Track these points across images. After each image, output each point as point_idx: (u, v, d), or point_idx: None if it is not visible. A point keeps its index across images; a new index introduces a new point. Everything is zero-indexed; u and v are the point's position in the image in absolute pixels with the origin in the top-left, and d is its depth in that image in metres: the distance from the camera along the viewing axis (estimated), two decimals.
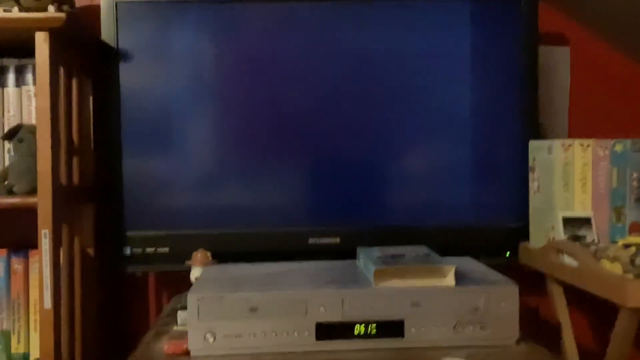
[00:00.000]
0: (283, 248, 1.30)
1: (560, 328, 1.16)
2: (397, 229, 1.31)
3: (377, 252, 1.09)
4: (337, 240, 1.30)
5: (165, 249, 1.30)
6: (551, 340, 1.16)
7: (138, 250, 1.30)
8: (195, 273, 1.23)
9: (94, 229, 1.33)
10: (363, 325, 0.96)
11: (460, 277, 0.99)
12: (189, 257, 1.25)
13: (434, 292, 0.97)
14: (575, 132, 1.46)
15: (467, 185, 1.31)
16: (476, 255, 1.27)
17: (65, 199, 1.18)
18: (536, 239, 1.23)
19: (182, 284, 1.42)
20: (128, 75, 1.29)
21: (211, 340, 0.94)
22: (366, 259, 1.06)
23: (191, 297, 0.94)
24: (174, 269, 1.29)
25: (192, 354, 0.95)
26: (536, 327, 1.31)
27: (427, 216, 1.31)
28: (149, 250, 1.30)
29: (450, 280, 0.97)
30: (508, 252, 1.30)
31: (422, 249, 1.12)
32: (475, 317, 0.97)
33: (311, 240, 1.30)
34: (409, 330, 0.96)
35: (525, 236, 1.28)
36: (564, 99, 1.48)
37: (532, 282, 1.37)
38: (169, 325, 1.12)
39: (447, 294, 0.97)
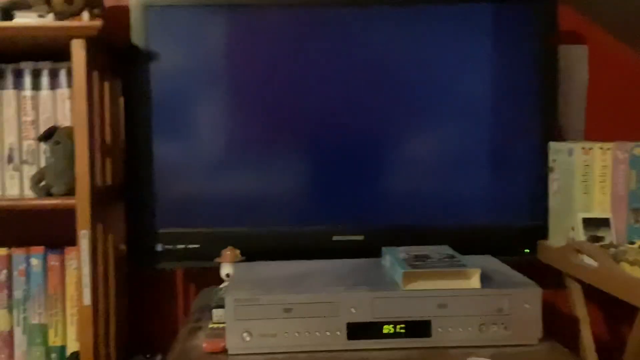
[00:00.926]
0: (308, 245, 1.34)
1: (578, 325, 1.20)
2: (419, 227, 1.35)
3: (401, 252, 1.14)
4: (361, 237, 1.35)
5: (196, 246, 1.35)
6: (568, 337, 1.21)
7: (170, 247, 1.34)
8: (225, 270, 1.27)
9: (125, 226, 1.38)
10: (392, 325, 1.00)
11: (484, 279, 1.03)
12: (217, 254, 1.30)
13: (459, 294, 1.01)
14: (593, 132, 1.49)
15: (486, 184, 1.35)
16: (494, 253, 1.30)
17: (101, 199, 1.22)
18: (555, 238, 1.27)
19: (209, 279, 1.46)
20: (157, 77, 1.33)
21: (248, 339, 0.99)
22: (392, 260, 1.10)
23: (229, 299, 0.99)
24: (203, 265, 1.34)
25: (229, 352, 1.00)
26: (554, 323, 1.35)
27: (448, 215, 1.35)
28: (180, 246, 1.35)
29: (475, 282, 1.01)
30: (527, 250, 1.34)
31: (445, 249, 1.16)
32: (499, 318, 1.01)
33: (335, 238, 1.35)
34: (436, 330, 1.01)
35: (542, 235, 1.32)
36: (582, 98, 1.51)
37: (548, 278, 1.41)
38: (201, 321, 1.17)
39: (472, 296, 1.01)
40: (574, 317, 1.21)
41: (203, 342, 1.02)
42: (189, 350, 1.03)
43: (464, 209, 1.36)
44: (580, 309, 1.20)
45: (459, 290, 1.01)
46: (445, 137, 1.35)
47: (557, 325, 1.23)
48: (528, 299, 1.01)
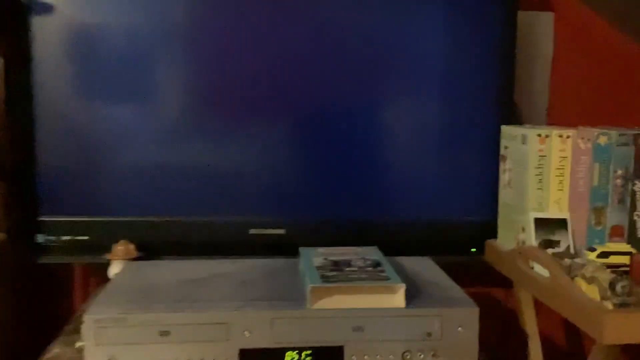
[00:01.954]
0: (220, 240, 1.14)
1: (526, 340, 1.03)
2: (350, 222, 1.15)
3: (319, 256, 0.94)
4: (282, 232, 1.15)
5: (85, 237, 1.14)
6: (519, 349, 1.04)
7: (52, 238, 1.13)
8: (114, 268, 1.07)
9: (5, 212, 1.16)
10: (296, 352, 0.81)
11: (411, 295, 0.84)
12: (110, 248, 1.09)
13: (379, 314, 0.82)
14: (556, 114, 1.30)
15: (430, 173, 1.16)
16: (438, 252, 1.12)
17: None
18: (504, 239, 1.08)
19: None
20: (47, 30, 1.10)
21: None
22: (305, 266, 0.90)
23: (88, 319, 0.79)
24: (92, 261, 1.14)
25: None
26: (506, 327, 1.18)
27: (384, 208, 1.16)
28: (66, 238, 1.13)
29: (399, 299, 0.83)
30: (474, 249, 1.16)
31: (373, 253, 0.97)
32: (427, 344, 0.83)
33: (252, 231, 1.15)
34: (349, 358, 0.82)
35: (491, 233, 1.13)
36: (545, 75, 1.32)
37: (499, 278, 1.23)
38: (76, 334, 0.96)
39: (395, 317, 0.82)
40: (524, 334, 1.04)
41: None
42: None
43: (403, 201, 1.16)
44: (530, 323, 1.03)
45: (378, 310, 0.82)
46: (382, 117, 1.15)
47: (507, 333, 1.06)
48: (462, 321, 0.83)
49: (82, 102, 1.11)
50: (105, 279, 1.22)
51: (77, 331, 0.98)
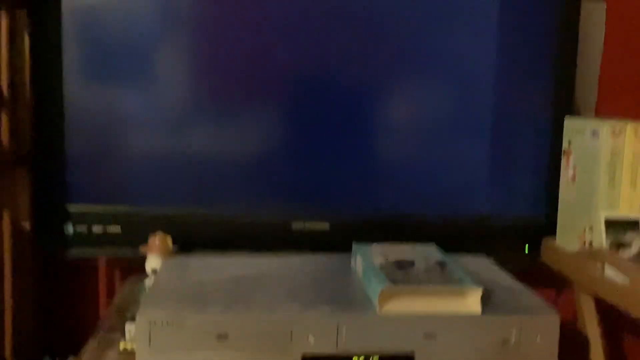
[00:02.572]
0: (260, 234, 1.08)
1: (588, 347, 0.97)
2: (397, 217, 1.09)
3: (378, 255, 0.88)
4: (326, 227, 1.08)
5: (117, 229, 1.07)
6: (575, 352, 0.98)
7: (83, 229, 1.06)
8: (151, 263, 1.01)
9: (30, 201, 1.09)
10: (362, 359, 0.75)
11: (484, 300, 0.78)
12: (144, 240, 1.03)
13: (453, 320, 0.76)
14: (604, 108, 1.24)
15: (481, 166, 1.10)
16: (486, 250, 1.06)
17: None
18: (565, 239, 1.02)
19: (142, 266, 1.19)
20: (79, 8, 1.02)
21: None
22: (366, 266, 0.84)
23: (141, 319, 0.72)
24: (125, 255, 1.07)
25: None
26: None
27: (433, 203, 1.09)
28: (96, 229, 1.07)
29: (475, 305, 0.76)
30: (526, 248, 1.10)
31: (433, 252, 0.91)
32: (502, 353, 0.77)
33: (295, 226, 1.08)
34: None
35: (547, 231, 1.07)
36: (596, 65, 1.25)
37: (548, 280, 1.17)
38: (115, 332, 0.90)
39: (470, 324, 0.76)
40: (584, 339, 0.98)
41: None
42: None
43: (453, 196, 1.10)
44: (592, 328, 0.97)
45: (453, 316, 0.76)
46: (434, 106, 1.08)
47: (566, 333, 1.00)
48: (542, 329, 0.77)
49: (114, 84, 1.04)
50: (132, 273, 1.16)
51: (113, 330, 0.92)
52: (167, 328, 0.72)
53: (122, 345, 0.82)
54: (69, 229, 1.06)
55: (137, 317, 0.72)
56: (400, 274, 0.80)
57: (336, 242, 1.06)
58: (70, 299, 1.21)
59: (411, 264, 0.84)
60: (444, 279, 0.79)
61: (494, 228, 1.10)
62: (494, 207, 1.11)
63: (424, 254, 0.89)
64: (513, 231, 1.10)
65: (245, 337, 0.73)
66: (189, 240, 1.06)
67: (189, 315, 0.73)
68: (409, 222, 1.09)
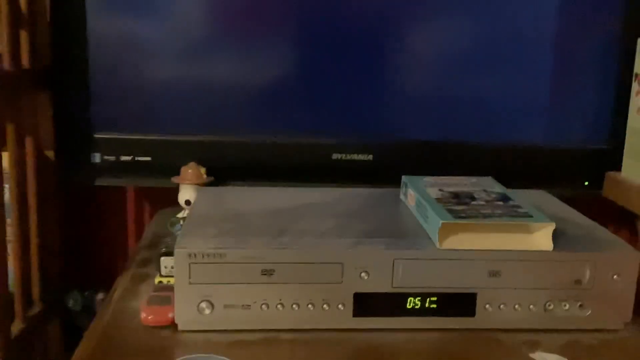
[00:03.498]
0: (298, 165, 1.01)
1: None
2: (446, 147, 1.01)
3: (432, 187, 0.80)
4: (369, 157, 1.01)
5: (147, 158, 1.00)
6: None
7: (111, 158, 1.00)
8: (185, 194, 0.94)
9: (53, 126, 1.02)
10: (419, 298, 0.69)
11: (555, 235, 0.70)
12: (176, 170, 0.96)
13: (521, 257, 0.69)
14: None
15: (538, 90, 1.00)
16: (543, 184, 0.98)
17: (12, 88, 0.87)
18: (632, 171, 0.94)
19: (172, 197, 1.13)
20: None
21: (207, 311, 0.67)
22: (421, 199, 0.77)
23: (179, 253, 0.66)
24: (156, 185, 1.00)
25: (180, 327, 0.68)
26: None
27: (485, 133, 1.01)
28: (125, 158, 1.00)
29: (544, 241, 0.69)
30: (586, 182, 1.02)
31: (491, 184, 0.83)
32: (574, 293, 0.70)
33: (335, 156, 1.01)
34: (483, 307, 0.69)
35: (613, 163, 0.99)
36: None
37: (609, 218, 1.09)
38: (148, 266, 0.84)
39: (539, 261, 0.69)
40: None
41: (142, 308, 0.70)
42: (120, 318, 0.71)
43: (506, 124, 1.02)
44: None
45: (520, 253, 0.69)
46: (487, 26, 0.98)
47: None
48: (620, 268, 0.69)
49: (141, 4, 0.96)
50: (162, 206, 1.10)
51: (146, 264, 0.86)
52: (208, 261, 0.66)
53: (157, 280, 0.77)
54: (96, 158, 1.00)
55: (176, 250, 0.66)
56: (461, 208, 0.72)
57: (379, 175, 0.99)
58: (98, 233, 1.16)
59: (471, 197, 0.77)
60: (509, 213, 0.71)
61: (551, 160, 1.02)
62: (551, 137, 1.02)
63: (483, 186, 0.82)
64: (572, 164, 1.02)
65: (293, 273, 0.67)
66: (223, 172, 0.99)
67: (232, 248, 0.66)
68: (459, 153, 1.01)
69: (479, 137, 1.01)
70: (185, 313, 0.67)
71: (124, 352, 0.65)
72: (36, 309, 0.99)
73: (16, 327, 0.92)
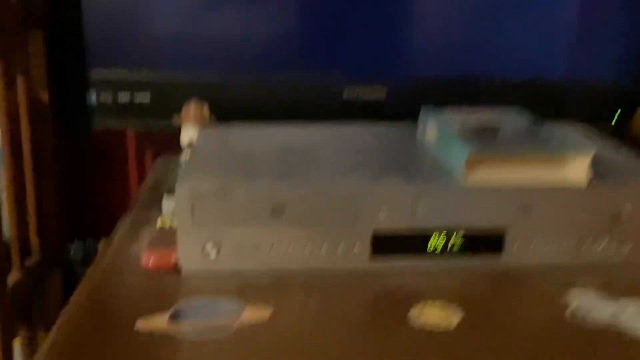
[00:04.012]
0: (306, 103, 0.94)
1: None
2: (467, 81, 0.94)
3: (454, 119, 0.74)
4: (382, 94, 0.95)
5: (146, 96, 0.94)
6: None
7: (108, 98, 0.94)
8: (187, 134, 0.88)
9: (46, 66, 0.96)
10: (443, 237, 0.63)
11: (591, 168, 0.65)
12: (178, 109, 0.90)
13: (554, 191, 0.63)
14: None
15: (565, 21, 0.93)
16: (568, 120, 0.92)
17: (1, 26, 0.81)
18: None
19: (174, 141, 1.07)
20: None
21: (213, 253, 0.62)
22: (442, 131, 0.71)
23: (181, 189, 0.61)
24: (157, 126, 0.95)
25: (184, 271, 0.63)
26: None
27: (508, 65, 0.94)
28: (123, 97, 0.94)
29: (579, 173, 0.63)
30: (614, 119, 0.96)
31: (519, 116, 0.77)
32: (612, 228, 0.64)
33: (347, 94, 0.95)
34: (512, 244, 0.64)
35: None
36: None
37: None
38: (150, 210, 0.79)
39: (573, 195, 0.63)
40: None
41: (144, 252, 0.65)
42: (120, 263, 0.67)
43: (530, 56, 0.95)
44: None
45: (554, 186, 0.63)
46: None
47: None
48: None
49: None
50: (164, 150, 1.04)
51: (147, 208, 0.81)
52: (213, 200, 0.60)
53: (159, 223, 0.71)
54: (92, 98, 0.94)
55: (178, 188, 0.60)
56: (487, 140, 0.66)
57: (394, 114, 0.93)
58: (99, 180, 1.11)
59: (498, 129, 0.70)
60: (540, 145, 0.65)
61: (577, 96, 0.95)
62: (577, 70, 0.95)
63: (511, 118, 0.75)
64: (599, 99, 0.96)
65: (305, 211, 0.62)
66: (227, 111, 0.93)
67: (238, 185, 0.61)
68: (480, 87, 0.94)
69: (503, 70, 0.94)
70: (189, 255, 0.62)
71: (124, 298, 0.60)
72: (34, 258, 0.94)
73: (13, 277, 0.87)
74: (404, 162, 0.69)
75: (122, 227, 0.76)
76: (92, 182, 1.10)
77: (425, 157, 0.71)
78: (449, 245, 0.63)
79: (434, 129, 0.73)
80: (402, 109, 0.89)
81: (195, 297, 0.58)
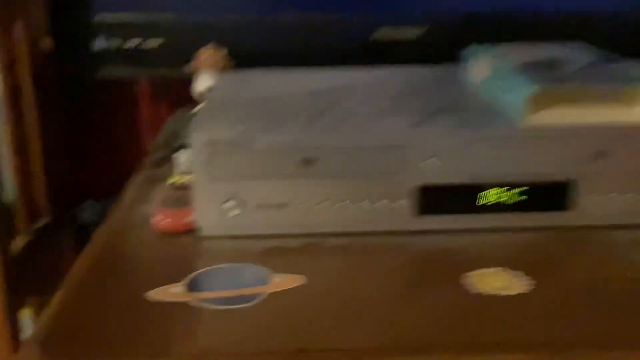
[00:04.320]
0: (333, 46, 0.85)
1: None
2: (509, 17, 0.84)
3: (506, 56, 0.64)
4: (418, 32, 0.85)
5: (157, 42, 0.85)
6: None
7: (115, 43, 0.85)
8: (203, 82, 0.80)
9: (47, 10, 0.87)
10: (504, 190, 0.54)
11: None
12: (193, 56, 0.81)
13: (633, 133, 0.54)
14: None
15: None
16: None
17: None
18: None
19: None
20: None
21: (234, 212, 0.54)
22: (497, 69, 0.61)
23: (196, 139, 0.52)
24: (170, 75, 0.86)
25: (203, 232, 0.55)
26: None
27: None
28: (132, 42, 0.85)
29: None
30: None
31: (584, 50, 0.67)
32: None
33: (376, 35, 0.85)
34: (581, 198, 0.55)
35: None
36: None
37: None
38: (163, 166, 0.71)
39: None
40: None
41: (155, 212, 0.57)
42: (131, 224, 0.59)
43: None
44: None
45: (632, 128, 0.53)
46: None
47: None
48: None
49: None
50: (179, 103, 0.95)
51: (161, 164, 0.73)
52: (233, 151, 0.52)
53: (171, 179, 0.63)
54: (97, 44, 0.85)
55: (192, 137, 0.52)
56: (552, 74, 0.57)
57: (430, 57, 0.83)
58: (110, 135, 1.03)
59: (563, 62, 0.61)
60: (615, 79, 0.56)
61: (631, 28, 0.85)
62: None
63: (575, 52, 0.65)
64: None
65: (339, 161, 0.53)
66: (246, 56, 0.84)
67: (262, 133, 0.52)
68: (525, 22, 0.84)
69: (549, 4, 0.84)
70: (208, 215, 0.54)
71: (134, 263, 0.53)
72: (43, 220, 0.87)
73: (20, 242, 0.80)
74: (451, 105, 0.60)
75: (133, 185, 0.68)
76: (104, 138, 1.02)
77: (475, 98, 0.62)
78: (507, 200, 0.54)
79: (486, 66, 0.63)
80: (440, 54, 0.79)
81: (215, 263, 0.50)
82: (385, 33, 0.85)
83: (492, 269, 0.49)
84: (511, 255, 0.52)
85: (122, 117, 1.01)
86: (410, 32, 0.85)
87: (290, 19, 0.84)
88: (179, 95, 0.90)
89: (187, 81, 0.82)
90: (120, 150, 1.01)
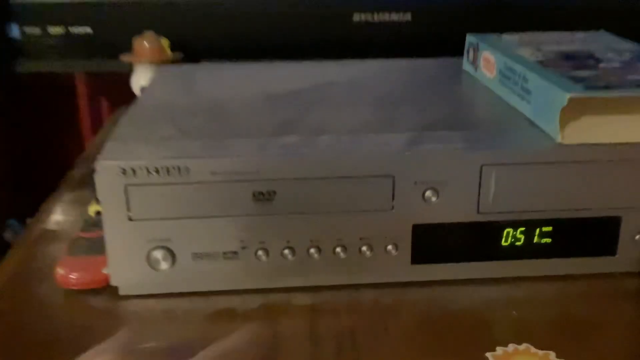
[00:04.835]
0: (305, 34, 0.70)
1: None
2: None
3: (522, 47, 0.51)
4: (406, 17, 0.70)
5: (86, 30, 0.70)
6: None
7: (35, 31, 0.70)
8: (140, 77, 0.65)
9: None
10: (523, 229, 0.40)
11: None
12: (128, 46, 0.67)
13: None
14: None
15: None
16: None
17: None
18: None
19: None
20: None
21: (165, 265, 0.39)
22: (510, 62, 0.47)
23: (107, 169, 0.37)
24: (102, 69, 0.71)
25: (120, 291, 0.40)
26: None
27: None
28: (55, 31, 0.70)
29: None
30: None
31: (610, 39, 0.53)
32: None
33: (357, 17, 0.70)
34: (630, 239, 0.41)
35: None
36: None
37: None
38: (84, 188, 0.56)
39: None
40: None
41: (60, 261, 0.42)
42: (31, 274, 0.44)
43: None
44: None
45: None
46: None
47: None
48: None
49: None
50: (122, 98, 0.80)
51: (84, 182, 0.58)
52: (161, 181, 0.37)
53: (92, 209, 0.48)
54: (15, 32, 0.69)
55: (98, 164, 0.37)
56: (587, 74, 0.43)
57: (421, 45, 0.69)
58: (39, 142, 0.87)
59: (593, 57, 0.47)
60: None
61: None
62: None
63: (602, 43, 0.52)
64: None
65: (307, 194, 0.39)
66: (193, 46, 0.69)
67: (201, 158, 0.37)
68: (524, 9, 0.70)
69: None
70: (127, 269, 0.39)
71: (28, 341, 0.38)
72: None
73: None
74: (453, 115, 0.46)
75: (46, 212, 0.53)
76: (32, 146, 0.86)
77: (484, 104, 0.48)
78: (533, 242, 0.41)
79: (494, 59, 0.49)
80: (434, 41, 0.66)
81: (135, 337, 0.36)
82: (369, 15, 0.70)
83: (511, 348, 0.36)
84: (538, 319, 0.38)
85: (52, 122, 0.85)
86: (400, 15, 0.71)
87: (245, 2, 0.69)
88: (127, 95, 0.75)
89: (127, 75, 0.67)
90: (50, 160, 0.86)
